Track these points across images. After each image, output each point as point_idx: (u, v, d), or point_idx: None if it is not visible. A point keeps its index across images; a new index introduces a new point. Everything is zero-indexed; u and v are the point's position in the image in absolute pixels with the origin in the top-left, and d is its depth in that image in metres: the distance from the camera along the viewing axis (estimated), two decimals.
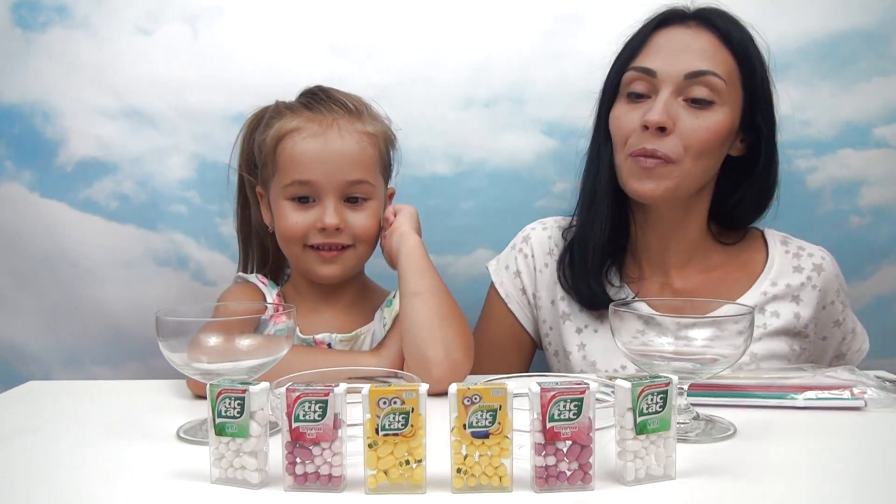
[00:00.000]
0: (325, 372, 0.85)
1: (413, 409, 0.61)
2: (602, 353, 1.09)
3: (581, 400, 0.61)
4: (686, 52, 1.02)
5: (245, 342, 0.79)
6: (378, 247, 1.08)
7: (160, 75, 1.31)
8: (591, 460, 0.62)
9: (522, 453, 0.63)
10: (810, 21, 1.29)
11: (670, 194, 1.03)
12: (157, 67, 1.31)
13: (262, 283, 1.10)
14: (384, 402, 0.61)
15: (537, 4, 1.31)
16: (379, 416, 0.61)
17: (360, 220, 1.04)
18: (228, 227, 1.28)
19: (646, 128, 1.00)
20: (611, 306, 0.78)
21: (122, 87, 1.31)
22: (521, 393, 0.63)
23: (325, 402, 0.62)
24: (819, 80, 1.30)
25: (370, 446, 0.61)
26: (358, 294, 1.11)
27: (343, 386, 0.62)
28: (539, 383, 0.61)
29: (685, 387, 0.77)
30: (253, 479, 0.64)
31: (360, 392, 0.61)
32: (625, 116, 1.04)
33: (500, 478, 0.62)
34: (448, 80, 1.31)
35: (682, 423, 0.76)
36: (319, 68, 1.31)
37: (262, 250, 1.16)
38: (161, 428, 0.80)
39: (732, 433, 0.77)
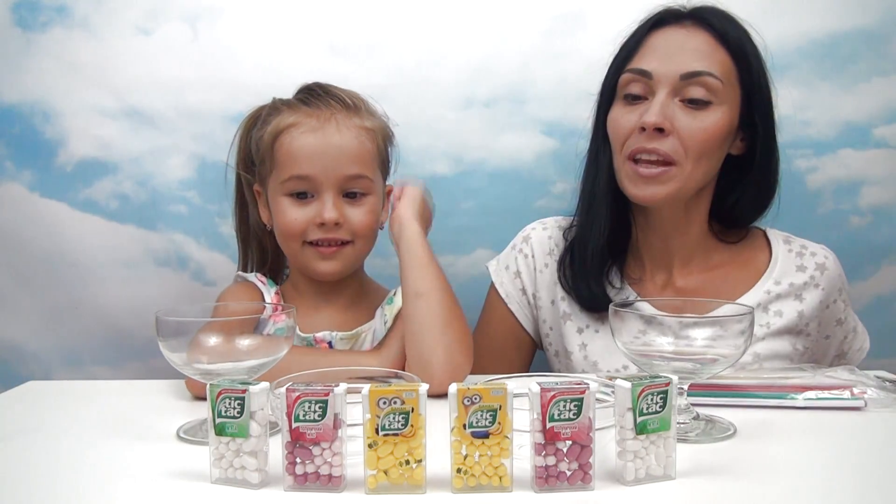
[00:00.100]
0: (326, 372, 0.84)
1: (413, 409, 0.61)
2: (603, 354, 1.09)
3: (581, 400, 0.61)
4: (681, 52, 1.01)
5: (245, 342, 0.79)
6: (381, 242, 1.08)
7: (160, 75, 1.31)
8: (591, 460, 0.62)
9: (522, 453, 0.63)
10: (810, 21, 1.29)
11: (671, 198, 1.03)
12: (157, 67, 1.31)
13: (261, 282, 1.10)
14: (384, 402, 0.61)
15: (537, 4, 1.31)
16: (379, 416, 0.61)
17: (358, 215, 1.04)
18: (228, 227, 1.28)
19: (643, 129, 1.00)
20: (611, 306, 0.78)
21: (122, 87, 1.31)
22: (521, 393, 0.63)
23: (325, 402, 0.62)
24: (819, 80, 1.30)
25: (370, 446, 0.61)
26: (357, 292, 1.11)
27: (343, 386, 0.62)
28: (539, 383, 0.61)
29: (685, 387, 0.77)
30: (253, 479, 0.64)
31: (360, 392, 0.61)
32: (622, 118, 1.04)
33: (500, 478, 0.62)
34: (448, 80, 1.31)
35: (682, 423, 0.76)
36: (319, 68, 1.30)
37: (260, 249, 1.16)
38: (161, 428, 0.80)
39: (732, 433, 0.77)
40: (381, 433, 0.61)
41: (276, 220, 1.05)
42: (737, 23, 1.04)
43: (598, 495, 0.62)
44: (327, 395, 0.62)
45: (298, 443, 0.62)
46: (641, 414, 0.62)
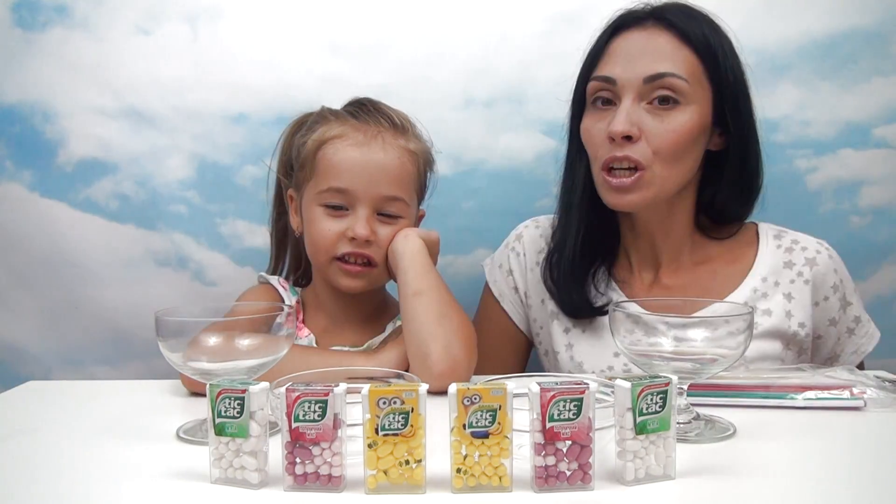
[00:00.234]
0: (326, 372, 0.85)
1: (413, 409, 0.61)
2: (589, 354, 1.08)
3: (581, 400, 0.61)
4: (643, 55, 1.00)
5: (245, 342, 0.79)
6: None
7: (160, 75, 1.31)
8: (590, 460, 0.62)
9: (522, 453, 0.63)
10: (810, 21, 1.29)
11: (648, 202, 1.02)
12: (157, 67, 1.31)
13: (283, 287, 1.10)
14: (384, 402, 0.61)
15: (537, 4, 1.31)
16: (379, 416, 0.61)
17: (389, 235, 1.04)
18: (228, 227, 1.28)
19: (613, 139, 1.00)
20: (610, 306, 0.78)
21: (122, 87, 1.32)
22: (521, 393, 0.63)
23: (325, 402, 0.62)
24: (819, 80, 1.30)
25: (370, 446, 0.61)
26: (377, 308, 1.12)
27: (343, 386, 0.62)
28: (539, 383, 0.61)
29: (685, 387, 0.77)
30: (253, 479, 0.64)
31: (360, 392, 0.61)
32: (593, 128, 1.03)
33: (500, 478, 0.62)
34: (448, 80, 1.31)
35: (682, 423, 0.76)
36: (319, 68, 1.31)
37: (295, 254, 1.17)
38: (161, 428, 0.80)
39: (732, 433, 0.77)
40: (380, 433, 0.61)
41: (308, 229, 1.05)
42: (701, 17, 1.02)
43: (597, 495, 0.62)
44: (327, 395, 0.62)
45: (298, 443, 0.62)
46: (641, 414, 0.62)
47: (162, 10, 1.31)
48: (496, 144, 1.33)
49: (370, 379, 0.87)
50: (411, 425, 0.61)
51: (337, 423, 0.62)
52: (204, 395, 0.65)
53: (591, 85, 1.04)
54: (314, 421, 0.62)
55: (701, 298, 0.92)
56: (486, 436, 0.61)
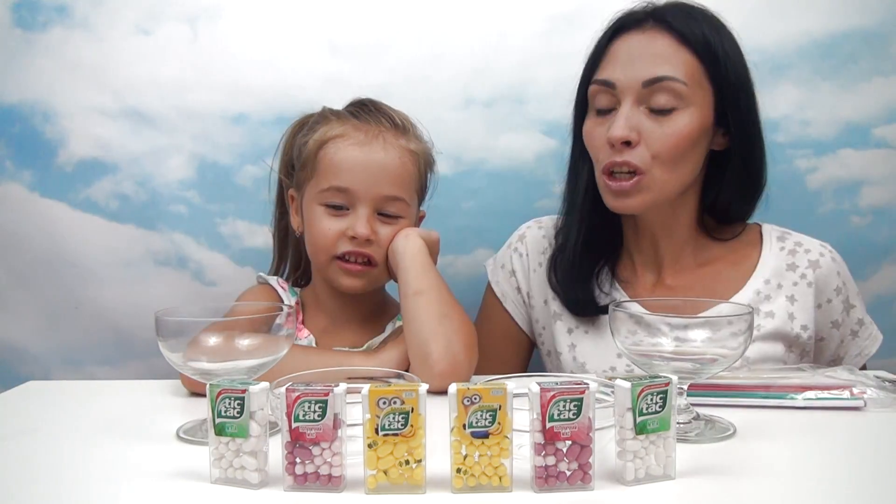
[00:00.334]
0: (326, 372, 0.85)
1: (413, 408, 0.61)
2: (592, 354, 1.08)
3: (581, 400, 0.61)
4: (642, 58, 0.99)
5: (245, 342, 0.79)
6: None
7: (160, 75, 1.31)
8: (590, 460, 0.62)
9: (522, 453, 0.63)
10: (810, 21, 1.29)
11: (649, 205, 1.02)
12: (157, 67, 1.31)
13: (282, 287, 1.11)
14: (384, 402, 0.61)
15: (537, 4, 1.31)
16: (379, 416, 0.61)
17: (390, 235, 1.04)
18: (228, 227, 1.28)
19: (612, 144, 0.99)
20: (610, 307, 0.78)
21: (122, 87, 1.32)
22: (521, 393, 0.63)
23: (325, 402, 0.62)
24: (819, 80, 1.30)
25: (370, 446, 0.61)
26: (377, 308, 1.12)
27: (343, 386, 0.62)
28: (539, 383, 0.61)
29: (685, 387, 0.77)
30: (253, 479, 0.64)
31: (360, 392, 0.61)
32: (594, 132, 1.03)
33: (500, 478, 0.62)
34: (448, 80, 1.31)
35: (682, 423, 0.76)
36: (319, 68, 1.31)
37: (296, 255, 1.17)
38: (161, 428, 0.80)
39: (732, 433, 0.77)
40: (380, 433, 0.61)
41: (308, 229, 1.05)
42: (702, 16, 1.01)
43: (597, 495, 0.62)
44: (327, 395, 0.62)
45: (298, 443, 0.62)
46: (641, 414, 0.62)
47: (162, 10, 1.31)
48: (496, 144, 1.33)
49: (370, 379, 0.87)
50: (411, 425, 0.61)
51: (337, 423, 0.62)
52: (204, 395, 0.65)
53: (592, 88, 1.04)
54: (314, 421, 0.62)
55: (702, 299, 0.92)
56: (486, 436, 0.61)
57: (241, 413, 0.64)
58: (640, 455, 0.63)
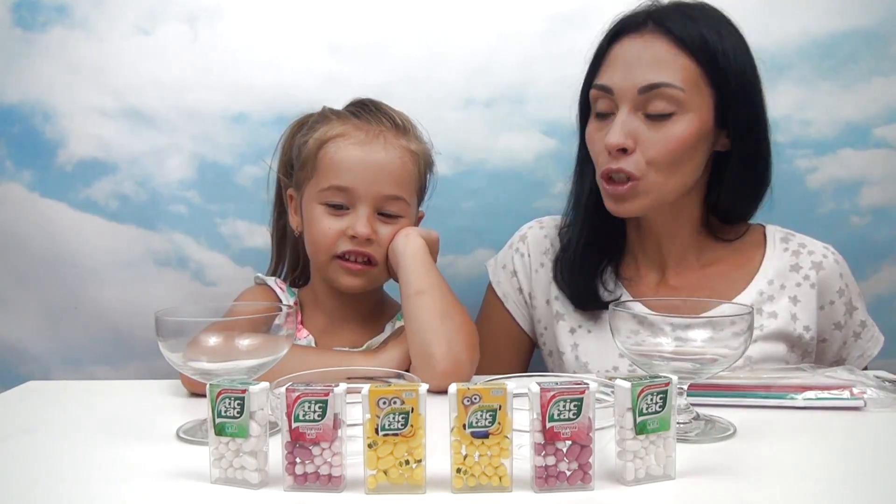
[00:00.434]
0: (326, 372, 0.85)
1: (413, 408, 0.61)
2: (595, 354, 1.08)
3: (581, 400, 0.61)
4: (639, 64, 0.98)
5: (245, 342, 0.79)
6: None
7: (160, 75, 1.31)
8: (590, 460, 0.62)
9: (522, 453, 0.63)
10: (810, 21, 1.29)
11: (647, 209, 1.02)
12: (157, 67, 1.31)
13: (280, 287, 1.11)
14: (384, 402, 0.61)
15: (537, 4, 1.31)
16: (379, 416, 0.61)
17: (389, 235, 1.04)
18: (228, 227, 1.28)
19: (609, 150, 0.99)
20: (610, 307, 0.78)
21: (122, 87, 1.32)
22: (521, 393, 0.63)
23: (325, 402, 0.62)
24: (819, 80, 1.30)
25: (370, 446, 0.61)
26: (376, 308, 1.12)
27: (343, 386, 0.62)
28: (539, 383, 0.61)
29: (685, 387, 0.77)
30: (253, 479, 0.64)
31: (360, 392, 0.61)
32: (594, 136, 1.04)
33: (500, 478, 0.62)
34: (448, 80, 1.31)
35: (682, 423, 0.76)
36: (319, 68, 1.31)
37: (294, 255, 1.17)
38: (161, 428, 0.80)
39: (732, 433, 0.77)
40: (380, 433, 0.61)
41: (308, 228, 1.05)
42: (702, 17, 1.00)
43: (597, 495, 0.62)
44: (327, 395, 0.62)
45: (298, 443, 0.62)
46: (641, 414, 0.62)
47: (162, 11, 1.31)
48: (496, 144, 1.33)
49: (370, 379, 0.87)
50: (411, 425, 0.61)
51: (337, 423, 0.62)
52: (204, 395, 0.65)
53: (592, 93, 1.04)
54: (314, 421, 0.62)
55: (703, 299, 0.92)
56: (486, 436, 0.61)
57: (241, 413, 0.64)
58: (640, 455, 0.63)
